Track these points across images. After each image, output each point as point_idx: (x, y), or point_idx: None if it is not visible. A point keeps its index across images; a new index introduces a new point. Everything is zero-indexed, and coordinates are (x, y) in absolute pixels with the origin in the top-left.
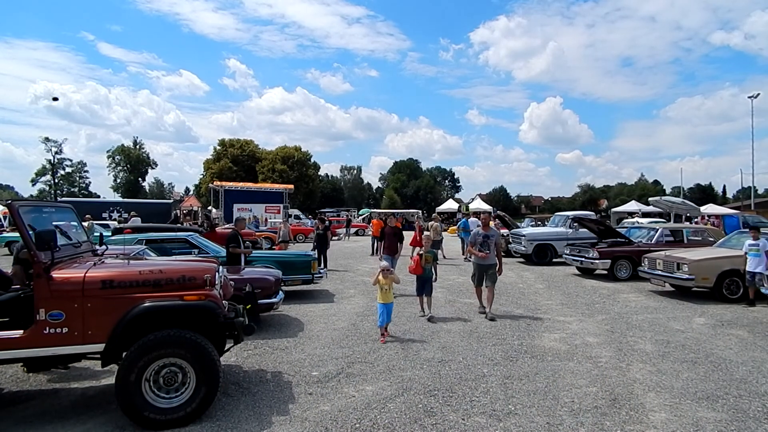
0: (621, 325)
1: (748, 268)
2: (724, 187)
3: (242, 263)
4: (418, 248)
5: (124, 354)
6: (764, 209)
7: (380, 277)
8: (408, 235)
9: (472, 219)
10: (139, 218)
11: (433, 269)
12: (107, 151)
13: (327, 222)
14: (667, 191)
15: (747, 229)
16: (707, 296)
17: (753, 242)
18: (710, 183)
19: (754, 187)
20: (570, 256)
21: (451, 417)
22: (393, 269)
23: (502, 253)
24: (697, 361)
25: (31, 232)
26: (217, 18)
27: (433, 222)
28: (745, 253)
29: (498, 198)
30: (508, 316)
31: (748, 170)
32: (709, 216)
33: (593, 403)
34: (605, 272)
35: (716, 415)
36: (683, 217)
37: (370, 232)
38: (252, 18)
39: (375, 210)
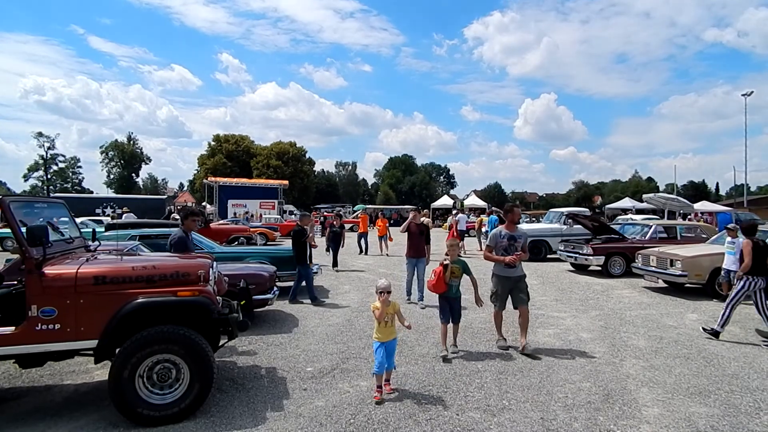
0: (614, 321)
1: (724, 266)
2: (717, 184)
3: (309, 258)
4: (444, 255)
5: (118, 350)
6: (757, 206)
7: (378, 303)
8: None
9: (461, 215)
10: (132, 214)
11: (460, 284)
12: (100, 147)
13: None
14: (661, 188)
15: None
16: (700, 292)
17: (730, 240)
18: (703, 180)
19: (747, 184)
20: (564, 253)
21: (446, 412)
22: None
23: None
24: (689, 356)
25: (22, 228)
26: (208, 11)
27: (422, 218)
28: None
29: (493, 194)
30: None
31: (741, 168)
32: (702, 213)
33: (587, 398)
34: (599, 268)
35: (708, 410)
36: (677, 213)
37: (357, 230)
38: (244, 12)
39: (369, 206)
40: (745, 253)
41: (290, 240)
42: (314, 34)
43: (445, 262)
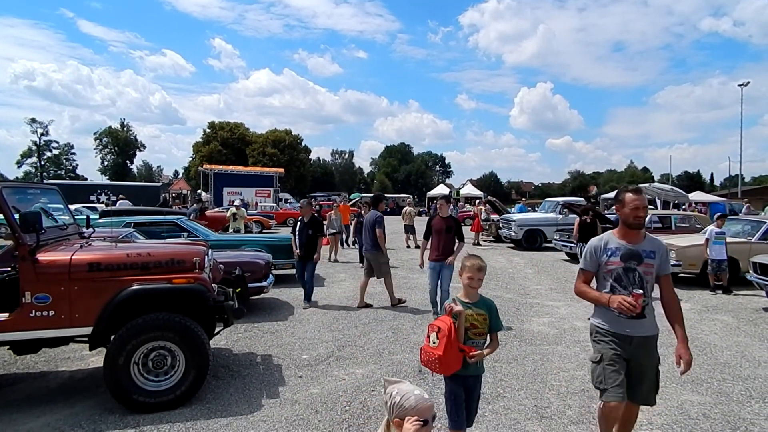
0: None
1: (715, 257)
2: (712, 174)
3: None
4: (451, 300)
5: (113, 337)
6: (751, 197)
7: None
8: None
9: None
10: (128, 201)
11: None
12: (94, 133)
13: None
14: (656, 178)
15: (733, 216)
16: (693, 282)
17: (719, 230)
18: (698, 171)
19: (742, 175)
20: (559, 242)
21: (441, 400)
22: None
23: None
24: None
25: (15, 215)
26: None
27: (407, 207)
28: (707, 239)
29: (489, 183)
30: (497, 301)
31: (736, 158)
32: (696, 203)
33: (581, 386)
34: None
35: (700, 398)
36: (671, 204)
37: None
38: None
39: (365, 194)
40: (575, 228)
41: (296, 228)
42: (308, 20)
43: (455, 308)
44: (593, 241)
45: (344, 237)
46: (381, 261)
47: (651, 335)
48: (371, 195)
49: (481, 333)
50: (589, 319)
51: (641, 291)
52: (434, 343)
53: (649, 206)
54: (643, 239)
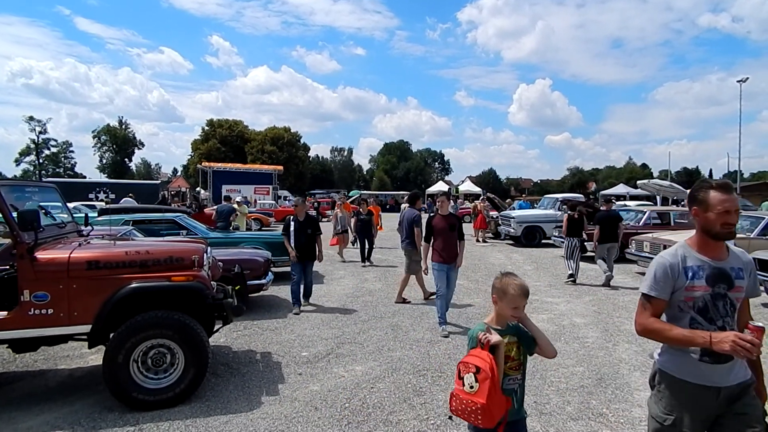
0: (608, 306)
1: None
2: (711, 171)
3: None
4: (484, 329)
5: (112, 335)
6: (750, 193)
7: None
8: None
9: (450, 197)
10: (133, 200)
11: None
12: (92, 131)
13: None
14: (655, 174)
15: None
16: None
17: None
18: (697, 167)
19: (740, 171)
20: (558, 238)
21: (440, 396)
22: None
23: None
24: None
25: (13, 213)
26: None
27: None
28: None
29: (488, 180)
30: None
31: (734, 154)
32: None
33: (580, 382)
34: (593, 254)
35: None
36: (670, 200)
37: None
38: None
39: (365, 191)
40: (564, 223)
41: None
42: (306, 17)
43: (492, 339)
44: (666, 256)
45: (353, 240)
46: (413, 258)
47: (745, 381)
48: (408, 192)
49: (518, 366)
50: (652, 357)
51: (761, 325)
52: (472, 387)
53: (648, 203)
54: (728, 254)
